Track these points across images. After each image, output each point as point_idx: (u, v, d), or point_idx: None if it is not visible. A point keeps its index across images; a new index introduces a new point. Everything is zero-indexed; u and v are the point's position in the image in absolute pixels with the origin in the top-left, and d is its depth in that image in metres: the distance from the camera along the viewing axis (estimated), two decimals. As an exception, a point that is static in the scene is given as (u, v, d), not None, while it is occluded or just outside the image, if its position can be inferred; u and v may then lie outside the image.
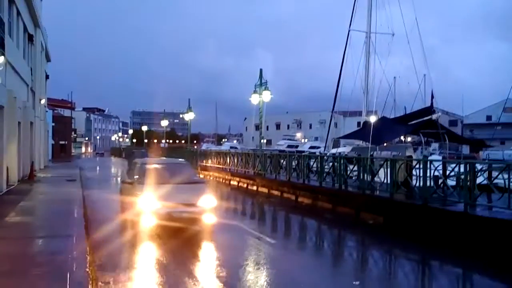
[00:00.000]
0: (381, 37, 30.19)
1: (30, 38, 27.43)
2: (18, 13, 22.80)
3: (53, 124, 60.56)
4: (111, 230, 12.33)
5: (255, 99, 27.84)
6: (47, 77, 41.35)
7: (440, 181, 12.96)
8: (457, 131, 52.84)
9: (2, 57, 16.43)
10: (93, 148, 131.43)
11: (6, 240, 9.46)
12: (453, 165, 12.82)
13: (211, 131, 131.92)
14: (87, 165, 49.10)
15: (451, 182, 12.63)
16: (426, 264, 9.94)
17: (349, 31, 30.49)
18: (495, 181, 11.42)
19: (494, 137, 54.73)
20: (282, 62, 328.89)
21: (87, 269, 7.38)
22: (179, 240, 10.76)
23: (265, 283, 7.75)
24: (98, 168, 46.12)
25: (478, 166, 12.15)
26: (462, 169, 11.87)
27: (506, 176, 10.77)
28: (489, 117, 73.08)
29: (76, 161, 57.52)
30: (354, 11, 30.57)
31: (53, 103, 74.23)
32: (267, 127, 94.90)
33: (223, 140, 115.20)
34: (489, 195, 11.72)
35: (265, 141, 74.70)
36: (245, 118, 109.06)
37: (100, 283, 7.23)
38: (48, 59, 42.01)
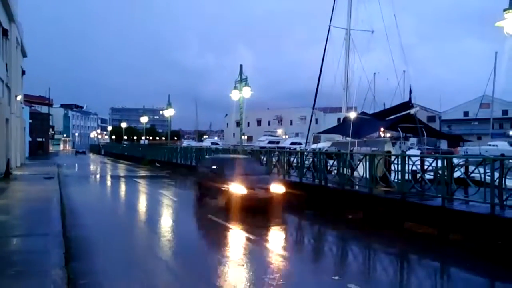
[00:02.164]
0: (361, 34, 30.43)
1: (5, 32, 26.83)
2: (-8, 7, 22.29)
3: (30, 121, 59.48)
4: (88, 228, 12.19)
5: (235, 95, 27.69)
6: (23, 73, 40.55)
7: (418, 176, 13.11)
8: (435, 127, 53.59)
9: (-25, 52, 16.05)
10: (72, 145, 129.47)
11: (-21, 239, 9.24)
12: (431, 160, 12.98)
13: (192, 127, 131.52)
14: (65, 162, 48.42)
15: (429, 177, 12.79)
16: (403, 258, 10.04)
17: (329, 27, 30.62)
18: (472, 175, 11.61)
19: (471, 133, 55.84)
20: (263, 59, 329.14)
21: (64, 268, 7.27)
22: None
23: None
24: (76, 165, 45.49)
25: (455, 161, 12.32)
26: (439, 164, 12.01)
27: (482, 170, 10.96)
28: (466, 113, 74.45)
29: (54, 158, 56.61)
30: (334, 7, 30.72)
31: (30, 100, 72.97)
32: (248, 123, 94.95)
33: (204, 136, 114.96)
34: (466, 189, 11.92)
35: (246, 137, 74.78)
36: (226, 115, 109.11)
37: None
38: (24, 55, 41.15)
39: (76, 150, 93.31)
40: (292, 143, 58.90)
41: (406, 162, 13.08)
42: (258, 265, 8.54)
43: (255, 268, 8.29)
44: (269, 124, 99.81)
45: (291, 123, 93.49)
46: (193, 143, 73.55)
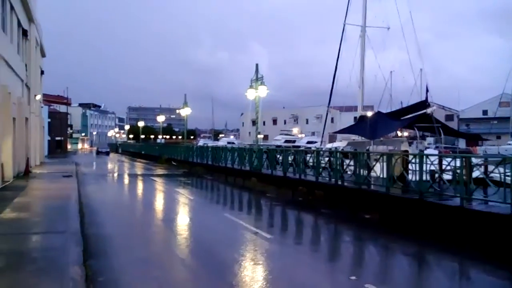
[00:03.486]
0: (376, 31, 30.12)
1: (25, 33, 27.24)
2: (12, 8, 22.62)
3: (49, 120, 60.50)
4: (106, 226, 12.32)
5: (251, 94, 27.74)
6: (42, 72, 41.15)
7: (436, 175, 12.95)
8: (454, 126, 52.91)
9: (-4, 52, 16.32)
10: (90, 144, 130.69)
11: (0, 236, 9.41)
12: (449, 159, 12.81)
13: (207, 126, 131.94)
14: (83, 161, 48.96)
15: (447, 177, 12.63)
16: (422, 258, 9.92)
17: (344, 25, 30.35)
18: (491, 174, 11.42)
19: (490, 132, 54.92)
20: (278, 57, 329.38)
21: (82, 265, 7.36)
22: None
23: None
24: (94, 164, 45.99)
25: (474, 160, 12.14)
26: (458, 163, 11.85)
27: (502, 170, 10.78)
28: (485, 112, 73.23)
29: (72, 157, 57.33)
30: (349, 4, 30.45)
31: (48, 99, 74.07)
32: (264, 122, 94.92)
33: (220, 135, 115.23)
34: (485, 189, 11.73)
35: (262, 136, 74.76)
36: (242, 114, 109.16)
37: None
38: (43, 55, 41.77)
39: (97, 149, 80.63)
40: (308, 142, 58.71)
41: (424, 161, 12.93)
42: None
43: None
44: (285, 123, 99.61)
45: (307, 122, 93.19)
46: (209, 142, 73.77)
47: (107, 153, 72.84)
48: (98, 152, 73.44)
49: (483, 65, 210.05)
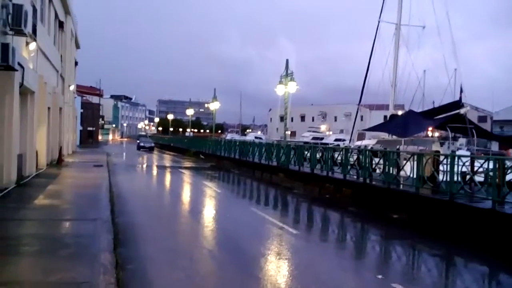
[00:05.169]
0: (410, 29, 29.59)
1: (61, 25, 27.88)
2: (50, 0, 23.18)
3: (82, 110, 61.81)
4: (135, 215, 12.55)
5: (280, 90, 27.70)
6: (76, 64, 42.07)
7: (468, 177, 12.69)
8: (487, 128, 51.49)
9: (34, 43, 16.75)
10: (120, 135, 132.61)
11: (35, 222, 9.74)
12: (482, 161, 12.54)
13: (235, 121, 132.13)
14: (114, 151, 49.84)
15: (478, 179, 12.37)
16: (450, 260, 9.77)
17: (379, 22, 29.93)
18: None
19: (525, 135, 53.30)
20: (307, 53, 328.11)
21: (112, 253, 7.53)
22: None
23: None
24: (124, 154, 46.76)
25: (508, 163, 11.85)
26: (491, 166, 11.59)
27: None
28: (520, 114, 71.09)
29: (103, 147, 58.38)
30: (384, 1, 30.01)
31: (82, 90, 75.61)
32: (292, 118, 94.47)
33: (248, 130, 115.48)
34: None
35: (289, 132, 74.61)
36: (270, 109, 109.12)
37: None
38: (77, 46, 42.66)
39: (138, 143, 60.41)
40: (336, 140, 58.27)
41: (456, 162, 12.69)
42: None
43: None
44: (313, 120, 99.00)
45: (336, 120, 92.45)
46: (237, 137, 74.04)
47: (151, 149, 56.68)
48: (139, 147, 57.13)
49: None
